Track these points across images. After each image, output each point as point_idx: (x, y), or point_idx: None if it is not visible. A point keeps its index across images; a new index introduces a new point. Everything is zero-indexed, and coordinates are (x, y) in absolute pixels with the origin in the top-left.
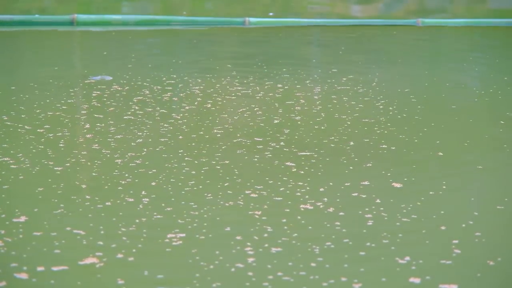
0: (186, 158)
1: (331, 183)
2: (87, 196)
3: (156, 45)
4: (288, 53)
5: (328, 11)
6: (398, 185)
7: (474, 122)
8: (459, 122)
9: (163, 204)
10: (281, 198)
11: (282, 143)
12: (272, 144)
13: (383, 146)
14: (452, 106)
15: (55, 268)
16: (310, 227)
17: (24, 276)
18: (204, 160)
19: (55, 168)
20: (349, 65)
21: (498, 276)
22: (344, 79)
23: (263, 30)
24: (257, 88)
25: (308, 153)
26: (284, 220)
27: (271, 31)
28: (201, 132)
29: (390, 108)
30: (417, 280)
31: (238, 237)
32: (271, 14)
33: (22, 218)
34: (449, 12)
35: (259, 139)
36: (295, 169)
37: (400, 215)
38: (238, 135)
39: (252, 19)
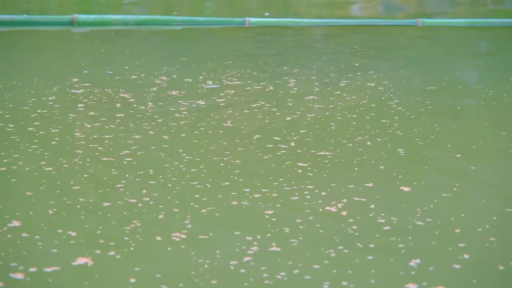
0: (188, 157)
1: (344, 185)
2: (80, 199)
3: (156, 45)
4: (293, 52)
5: (329, 11)
6: (409, 188)
7: (483, 124)
8: (469, 124)
9: (161, 206)
10: (288, 199)
11: (292, 143)
12: (281, 145)
13: (396, 147)
14: (461, 107)
15: (50, 269)
16: (322, 231)
17: (20, 276)
18: (207, 158)
19: (47, 169)
20: (356, 65)
21: (507, 281)
22: (357, 77)
23: (264, 30)
24: (262, 85)
25: (322, 153)
26: (291, 222)
27: (273, 31)
28: (203, 129)
29: (399, 108)
30: (424, 283)
31: (241, 238)
32: (266, 14)
33: (16, 222)
34: (449, 12)
35: (269, 137)
36: (306, 170)
37: (412, 218)
38: (245, 132)
39: (252, 19)
